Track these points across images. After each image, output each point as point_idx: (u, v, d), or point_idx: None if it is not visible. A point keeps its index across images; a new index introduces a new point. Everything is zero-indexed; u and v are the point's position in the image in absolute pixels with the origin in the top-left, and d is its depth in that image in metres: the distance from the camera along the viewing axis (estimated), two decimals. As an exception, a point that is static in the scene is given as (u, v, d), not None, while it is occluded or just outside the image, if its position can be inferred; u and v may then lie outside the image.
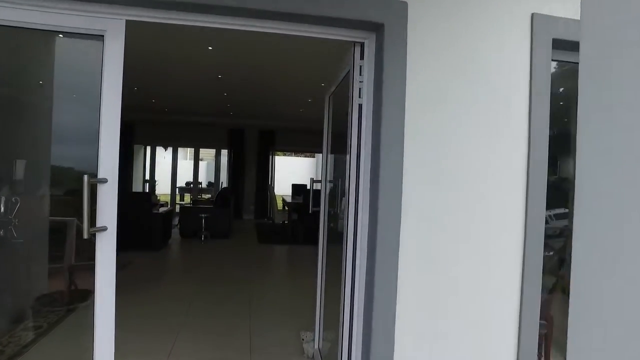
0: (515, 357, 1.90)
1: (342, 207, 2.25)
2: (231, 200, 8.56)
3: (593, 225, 0.49)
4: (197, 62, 5.38)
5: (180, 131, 10.27)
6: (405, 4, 1.78)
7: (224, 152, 11.41)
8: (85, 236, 1.54)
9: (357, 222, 1.95)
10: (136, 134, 9.81)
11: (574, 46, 1.89)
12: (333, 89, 2.66)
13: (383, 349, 1.79)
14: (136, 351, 2.90)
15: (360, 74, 1.91)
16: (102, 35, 1.66)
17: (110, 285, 1.68)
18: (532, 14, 1.87)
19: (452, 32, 1.83)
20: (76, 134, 2.03)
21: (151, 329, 3.37)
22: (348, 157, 1.99)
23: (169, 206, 8.86)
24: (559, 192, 2.28)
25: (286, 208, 9.54)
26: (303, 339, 3.00)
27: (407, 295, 1.81)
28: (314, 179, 3.08)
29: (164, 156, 12.60)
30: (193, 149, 12.60)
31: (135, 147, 10.38)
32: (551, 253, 2.37)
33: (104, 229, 1.65)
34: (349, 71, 2.04)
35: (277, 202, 10.48)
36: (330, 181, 2.87)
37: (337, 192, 2.54)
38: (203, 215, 7.65)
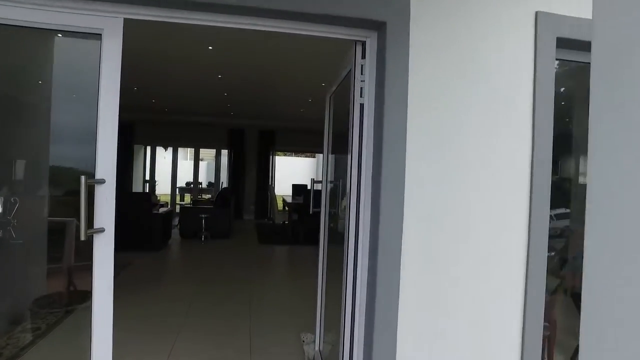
0: (520, 358, 1.88)
1: (343, 207, 2.23)
2: (231, 200, 8.54)
3: (605, 224, 0.49)
4: (197, 62, 5.37)
5: (180, 131, 10.26)
6: (408, 1, 1.76)
7: (224, 152, 11.39)
8: (83, 238, 1.52)
9: (358, 221, 1.94)
10: (136, 134, 9.80)
11: (578, 45, 1.88)
12: (334, 88, 2.65)
13: (385, 350, 1.77)
14: (136, 352, 2.89)
15: (361, 73, 1.89)
16: (100, 34, 1.64)
17: (108, 287, 1.65)
18: (536, 12, 1.85)
19: (454, 31, 1.81)
20: (75, 133, 2.02)
21: (151, 329, 3.35)
22: (349, 156, 1.98)
23: (169, 206, 8.84)
24: (560, 192, 2.26)
25: (286, 208, 9.53)
26: (304, 341, 2.98)
27: (408, 295, 1.80)
28: (315, 180, 3.06)
29: (164, 156, 12.59)
30: (193, 149, 12.59)
31: (135, 147, 10.37)
32: (552, 253, 2.35)
33: (101, 230, 1.62)
34: (350, 70, 2.02)
35: (278, 202, 10.47)
36: (331, 181, 2.85)
37: (338, 192, 2.52)
38: (203, 215, 7.63)
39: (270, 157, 11.24)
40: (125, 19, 1.66)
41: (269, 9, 1.68)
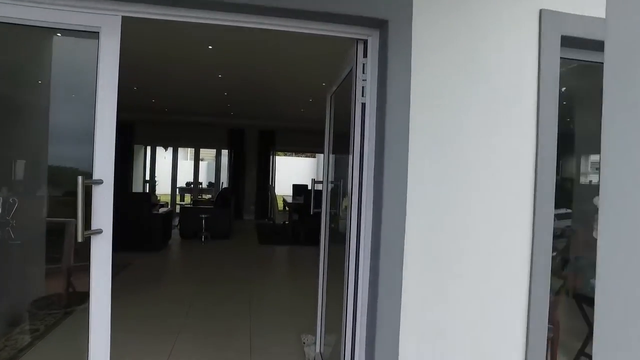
0: (524, 358, 1.86)
1: (344, 207, 2.21)
2: (231, 200, 8.52)
3: (618, 224, 0.49)
4: (197, 62, 5.35)
5: (180, 131, 10.24)
6: (410, -1, 1.74)
7: (225, 152, 11.38)
8: (80, 239, 1.50)
9: (360, 221, 1.92)
10: (136, 134, 9.79)
11: (583, 43, 1.85)
12: (335, 88, 2.63)
13: (388, 350, 1.75)
14: (136, 352, 2.87)
15: (363, 72, 1.87)
16: (97, 32, 1.62)
17: (105, 289, 1.63)
18: (541, 10, 1.83)
19: (456, 29, 1.79)
20: (74, 133, 2.00)
21: (151, 329, 3.34)
22: (351, 156, 1.96)
23: (169, 206, 8.82)
24: (561, 192, 2.24)
25: (287, 208, 9.51)
26: (304, 343, 2.96)
27: (410, 295, 1.78)
28: (315, 180, 3.04)
29: (164, 156, 12.57)
30: (193, 149, 12.57)
31: (135, 147, 10.36)
32: (554, 254, 2.33)
33: (99, 231, 1.60)
34: (351, 70, 2.00)
35: (278, 202, 10.45)
36: (331, 181, 2.83)
37: (339, 193, 2.50)
38: (203, 215, 7.61)
39: (271, 157, 11.23)
40: (123, 17, 1.64)
41: (270, 6, 1.66)
